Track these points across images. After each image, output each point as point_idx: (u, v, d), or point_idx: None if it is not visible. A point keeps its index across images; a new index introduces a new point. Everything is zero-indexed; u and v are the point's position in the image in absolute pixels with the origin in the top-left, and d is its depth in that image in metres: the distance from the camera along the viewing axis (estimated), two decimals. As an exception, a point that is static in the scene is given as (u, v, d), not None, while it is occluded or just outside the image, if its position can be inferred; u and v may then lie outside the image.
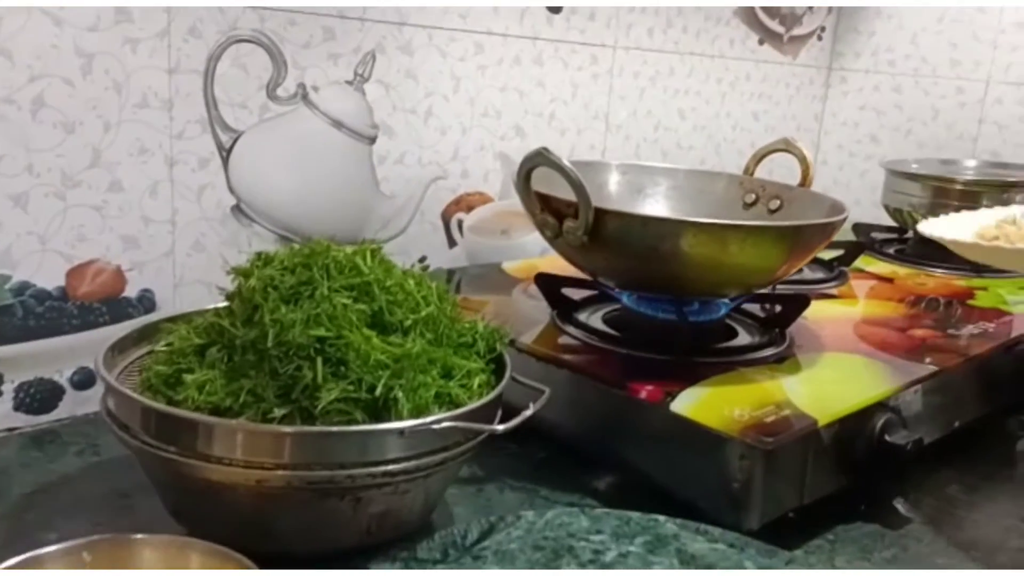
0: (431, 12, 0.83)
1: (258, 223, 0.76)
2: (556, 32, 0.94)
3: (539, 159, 0.62)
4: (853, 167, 1.32)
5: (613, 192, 0.82)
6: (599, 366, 0.64)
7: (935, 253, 1.01)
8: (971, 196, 1.00)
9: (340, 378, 0.45)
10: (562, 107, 0.97)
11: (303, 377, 0.44)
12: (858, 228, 1.08)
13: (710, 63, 1.13)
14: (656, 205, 0.83)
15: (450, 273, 0.87)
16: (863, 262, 0.99)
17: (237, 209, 0.74)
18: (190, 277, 0.73)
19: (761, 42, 1.20)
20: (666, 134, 1.10)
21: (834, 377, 0.64)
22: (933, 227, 0.77)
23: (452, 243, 0.91)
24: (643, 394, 0.58)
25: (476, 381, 0.51)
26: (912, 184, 1.03)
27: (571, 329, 0.71)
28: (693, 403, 0.57)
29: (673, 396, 0.57)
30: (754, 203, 0.81)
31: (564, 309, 0.74)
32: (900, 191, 1.05)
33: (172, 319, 0.55)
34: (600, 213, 0.62)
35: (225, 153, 0.73)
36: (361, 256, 0.52)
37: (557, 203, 0.64)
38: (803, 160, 0.80)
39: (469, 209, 0.92)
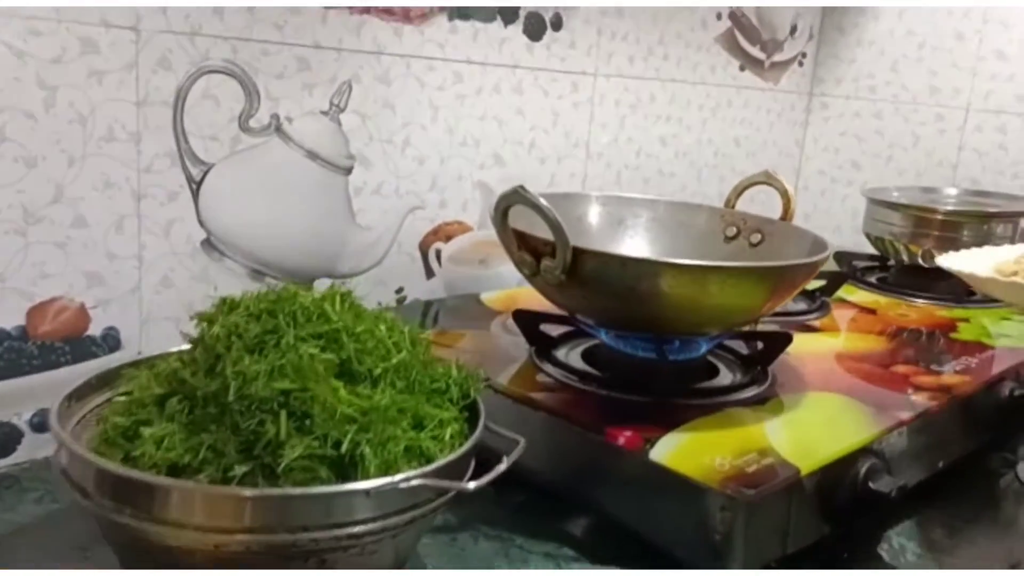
0: (409, 41, 0.81)
1: (229, 257, 0.74)
2: (536, 60, 0.93)
3: (516, 197, 0.61)
4: (834, 193, 1.32)
5: (593, 224, 0.81)
6: (577, 408, 0.62)
7: (917, 283, 1.01)
8: (952, 226, 0.99)
9: (305, 433, 0.43)
10: (542, 135, 0.96)
11: (266, 432, 0.43)
12: (840, 257, 1.07)
13: (691, 90, 1.12)
14: (636, 239, 0.81)
15: (427, 304, 0.86)
16: (845, 291, 0.98)
17: (207, 243, 0.73)
18: (158, 314, 0.71)
19: (742, 68, 1.19)
20: (648, 161, 1.09)
21: (817, 419, 0.63)
22: (952, 261, 0.77)
23: (430, 273, 0.90)
24: (621, 440, 0.57)
25: (449, 431, 0.49)
26: (894, 213, 1.03)
27: (549, 367, 0.70)
28: (673, 450, 0.55)
29: (652, 443, 0.56)
30: (735, 236, 0.80)
31: (542, 346, 0.73)
32: (882, 220, 1.04)
33: (135, 363, 0.53)
34: (578, 253, 0.61)
35: (195, 186, 0.71)
36: (330, 302, 0.50)
37: (534, 241, 0.63)
38: (784, 193, 0.79)
39: (448, 239, 0.90)
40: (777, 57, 1.24)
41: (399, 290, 0.87)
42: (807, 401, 0.66)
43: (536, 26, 0.92)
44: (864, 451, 0.58)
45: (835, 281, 0.96)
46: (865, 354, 0.79)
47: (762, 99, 1.24)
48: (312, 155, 0.77)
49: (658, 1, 1.04)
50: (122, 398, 0.49)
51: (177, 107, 0.69)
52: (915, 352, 0.80)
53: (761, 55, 1.21)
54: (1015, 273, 0.72)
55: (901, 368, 0.76)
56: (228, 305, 0.50)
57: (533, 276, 0.64)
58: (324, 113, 0.77)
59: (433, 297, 0.90)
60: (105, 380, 0.52)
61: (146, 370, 0.50)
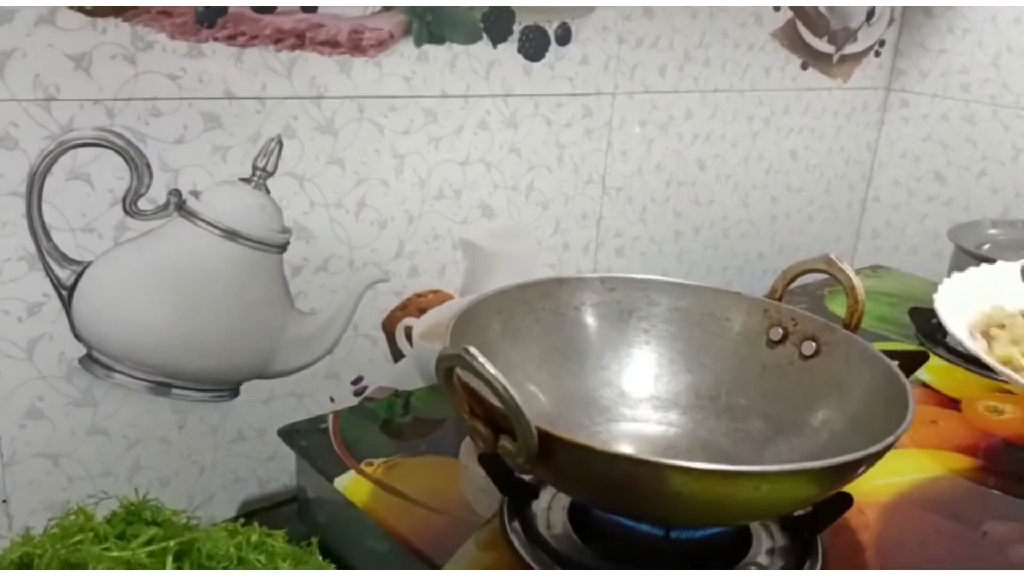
0: (361, 78, 0.63)
1: (122, 372, 0.58)
2: (535, 84, 0.73)
3: (458, 360, 0.43)
4: (911, 209, 1.10)
5: (593, 320, 0.63)
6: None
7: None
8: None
9: None
10: (544, 175, 0.77)
11: None
12: (918, 316, 0.87)
13: (739, 99, 0.91)
14: (649, 342, 0.63)
15: (390, 406, 0.69)
16: (926, 370, 0.78)
17: (89, 359, 0.57)
18: (25, 453, 0.55)
19: (805, 66, 0.97)
20: (681, 190, 0.89)
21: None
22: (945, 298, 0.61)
23: (398, 356, 0.73)
24: None
25: None
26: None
27: (522, 532, 0.53)
28: None
29: None
30: (781, 340, 0.61)
31: (516, 497, 0.56)
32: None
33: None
34: (546, 438, 0.43)
35: (66, 292, 0.55)
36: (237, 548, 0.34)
37: (490, 409, 0.45)
38: (851, 290, 0.59)
39: (420, 313, 0.73)
40: (849, 49, 1.01)
41: (357, 380, 0.71)
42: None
43: (536, 42, 0.72)
44: None
45: (912, 362, 0.77)
46: (947, 498, 0.60)
47: (828, 100, 1.02)
48: (230, 234, 0.60)
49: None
50: None
51: (32, 196, 0.52)
52: (1012, 491, 0.62)
53: (829, 48, 0.99)
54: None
55: (996, 526, 0.58)
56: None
57: (491, 452, 0.47)
58: (245, 181, 0.60)
59: (402, 386, 0.73)
60: None
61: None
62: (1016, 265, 0.73)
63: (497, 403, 0.43)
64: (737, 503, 0.45)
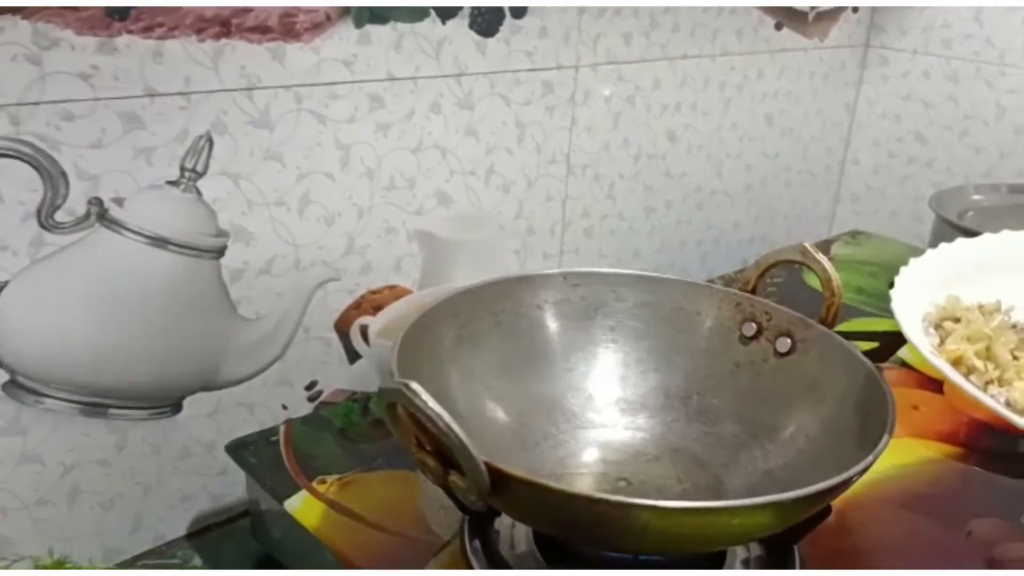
0: (297, 65, 0.58)
1: (51, 396, 0.54)
2: (491, 61, 0.68)
3: (398, 397, 0.39)
4: (892, 171, 1.07)
5: (555, 317, 0.59)
6: None
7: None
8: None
9: None
10: (504, 157, 0.72)
11: None
12: (897, 289, 0.84)
13: (710, 65, 0.87)
14: (616, 340, 0.59)
15: (347, 412, 0.65)
16: (908, 347, 0.76)
17: (13, 384, 0.52)
18: (-53, 489, 0.52)
19: (779, 26, 0.92)
20: (649, 164, 0.85)
21: None
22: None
23: (354, 356, 0.69)
24: None
25: None
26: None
27: (482, 554, 0.50)
28: None
29: None
30: (755, 337, 0.58)
31: (477, 515, 0.52)
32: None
33: None
34: (499, 477, 0.40)
35: (-21, 316, 0.50)
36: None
37: (439, 442, 0.42)
38: (827, 282, 0.56)
39: (376, 310, 0.69)
40: (825, 2, 0.96)
41: (311, 385, 0.67)
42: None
43: (489, 16, 0.67)
44: None
45: (890, 343, 0.74)
46: (929, 494, 0.58)
47: (804, 61, 0.97)
48: (159, 241, 0.55)
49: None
50: None
51: (-70, 216, 0.47)
52: (995, 484, 0.59)
53: (805, 4, 0.94)
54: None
55: (980, 525, 0.56)
56: None
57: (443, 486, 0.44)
58: (173, 184, 0.55)
59: (360, 387, 0.69)
60: None
61: None
62: (979, 241, 0.68)
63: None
64: (707, 536, 0.42)
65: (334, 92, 0.60)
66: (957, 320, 0.58)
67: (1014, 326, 0.58)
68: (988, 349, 0.55)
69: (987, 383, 0.53)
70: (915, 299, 0.60)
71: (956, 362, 0.55)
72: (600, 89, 0.77)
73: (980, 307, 0.60)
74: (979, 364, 0.54)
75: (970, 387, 0.52)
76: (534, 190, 0.76)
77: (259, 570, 0.56)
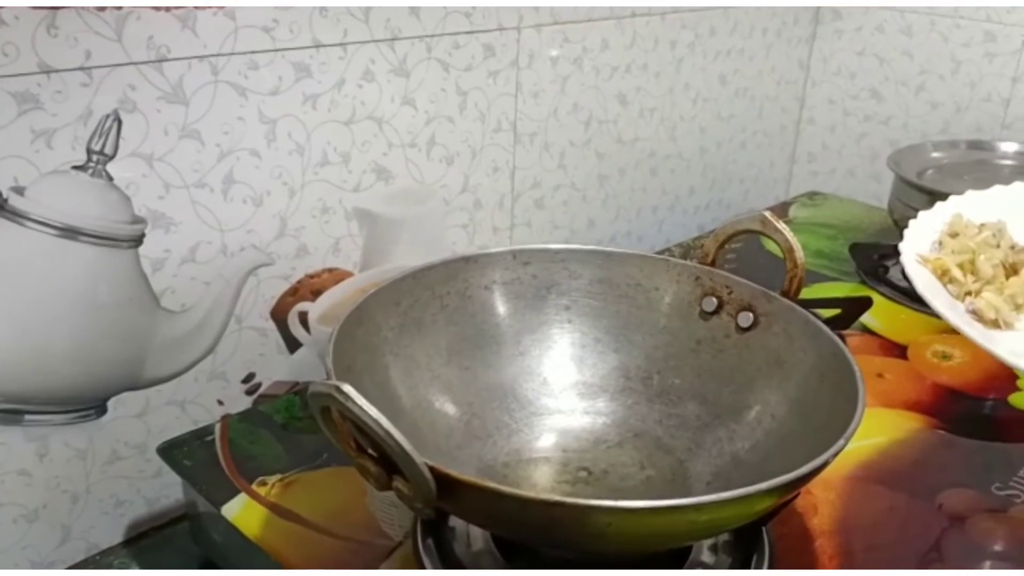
0: (211, 33, 0.53)
1: (-48, 406, 0.49)
2: (426, 25, 0.64)
3: (330, 401, 0.36)
4: (847, 129, 1.04)
5: (505, 298, 0.56)
6: None
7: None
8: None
9: None
10: (446, 125, 0.68)
11: None
12: (859, 252, 0.81)
13: (659, 24, 0.83)
14: (572, 320, 0.56)
15: (288, 406, 0.61)
16: (871, 312, 0.74)
17: (-93, 396, 0.48)
18: None
19: (730, -19, 0.89)
20: (601, 130, 0.81)
21: None
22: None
23: (294, 345, 0.65)
24: None
25: None
26: (925, 197, 0.76)
27: (436, 553, 0.46)
28: None
29: None
30: (716, 312, 0.55)
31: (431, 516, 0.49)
32: (913, 204, 0.77)
33: None
34: (446, 481, 0.36)
35: None
36: None
37: (380, 446, 0.38)
38: (788, 252, 0.53)
39: (315, 295, 0.65)
40: (776, -42, 0.93)
41: (248, 378, 0.62)
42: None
43: (422, -25, 0.62)
44: None
45: (855, 308, 0.72)
46: (898, 468, 0.56)
47: (757, 18, 0.94)
48: (68, 232, 0.50)
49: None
50: None
51: None
52: (964, 453, 0.57)
53: (755, -41, 0.90)
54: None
55: (951, 497, 0.54)
56: None
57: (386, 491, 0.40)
58: (80, 168, 0.50)
59: (302, 377, 0.65)
60: None
61: None
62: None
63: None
64: (672, 534, 0.39)
65: (254, 61, 0.55)
66: (955, 235, 0.56)
67: (1013, 247, 0.56)
68: (972, 263, 0.53)
69: (966, 294, 0.52)
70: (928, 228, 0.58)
71: (942, 273, 0.53)
72: (545, 51, 0.73)
73: (982, 225, 0.57)
74: (959, 275, 0.52)
75: (929, 293, 0.50)
76: (479, 161, 0.72)
77: (261, 570, 0.51)
